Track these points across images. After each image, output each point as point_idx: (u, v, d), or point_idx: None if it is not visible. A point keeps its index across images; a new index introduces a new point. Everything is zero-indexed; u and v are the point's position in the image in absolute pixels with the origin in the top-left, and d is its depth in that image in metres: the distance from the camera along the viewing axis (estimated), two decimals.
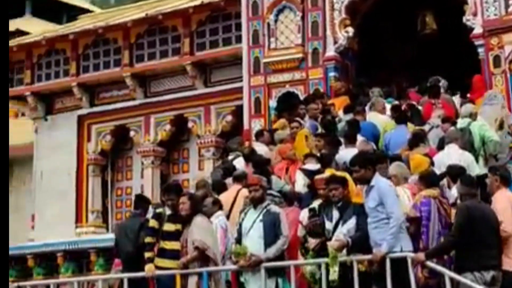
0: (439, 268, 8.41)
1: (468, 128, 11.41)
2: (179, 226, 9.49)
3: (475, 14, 14.33)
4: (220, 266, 9.47)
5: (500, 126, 11.75)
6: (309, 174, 10.96)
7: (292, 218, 9.75)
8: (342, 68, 15.82)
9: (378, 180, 8.77)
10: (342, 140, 11.84)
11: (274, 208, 9.43)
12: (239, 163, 12.20)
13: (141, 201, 11.01)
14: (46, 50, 19.93)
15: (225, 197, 10.80)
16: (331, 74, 15.48)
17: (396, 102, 13.71)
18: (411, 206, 8.96)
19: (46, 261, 17.81)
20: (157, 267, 9.48)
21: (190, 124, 18.20)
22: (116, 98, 19.23)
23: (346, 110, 13.45)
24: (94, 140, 19.35)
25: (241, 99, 16.38)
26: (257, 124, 15.68)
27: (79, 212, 19.10)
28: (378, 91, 13.93)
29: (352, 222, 8.86)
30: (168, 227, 9.51)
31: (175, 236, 9.49)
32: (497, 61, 13.98)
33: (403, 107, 13.32)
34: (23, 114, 21.81)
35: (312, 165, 11.30)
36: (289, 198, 10.45)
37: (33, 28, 27.44)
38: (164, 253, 9.52)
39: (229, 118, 17.68)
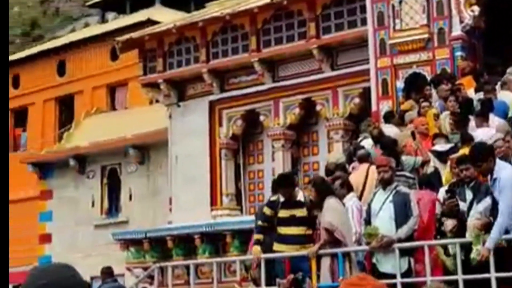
0: None
1: None
2: (295, 212, 9.80)
3: None
4: (353, 247, 9.61)
5: None
6: (439, 155, 11.06)
7: (426, 200, 9.67)
8: (469, 48, 15.58)
9: (500, 170, 8.66)
10: (473, 119, 11.69)
11: (403, 189, 9.50)
12: (368, 145, 12.26)
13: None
14: (177, 38, 20.26)
15: (355, 177, 10.88)
16: (458, 54, 15.27)
17: None
18: None
19: (184, 242, 18.41)
20: (274, 251, 9.88)
21: (318, 107, 18.35)
22: (245, 83, 19.52)
23: (477, 90, 13.31)
24: (226, 125, 19.67)
25: (368, 81, 16.30)
26: (385, 106, 15.58)
27: (213, 195, 19.48)
28: None
29: (487, 201, 8.83)
30: (283, 213, 9.85)
31: (289, 221, 9.82)
32: None
33: None
34: (157, 101, 22.46)
35: (441, 146, 11.35)
36: (426, 181, 10.40)
37: (162, 17, 28.11)
38: (280, 238, 9.88)
39: (357, 100, 17.76)
